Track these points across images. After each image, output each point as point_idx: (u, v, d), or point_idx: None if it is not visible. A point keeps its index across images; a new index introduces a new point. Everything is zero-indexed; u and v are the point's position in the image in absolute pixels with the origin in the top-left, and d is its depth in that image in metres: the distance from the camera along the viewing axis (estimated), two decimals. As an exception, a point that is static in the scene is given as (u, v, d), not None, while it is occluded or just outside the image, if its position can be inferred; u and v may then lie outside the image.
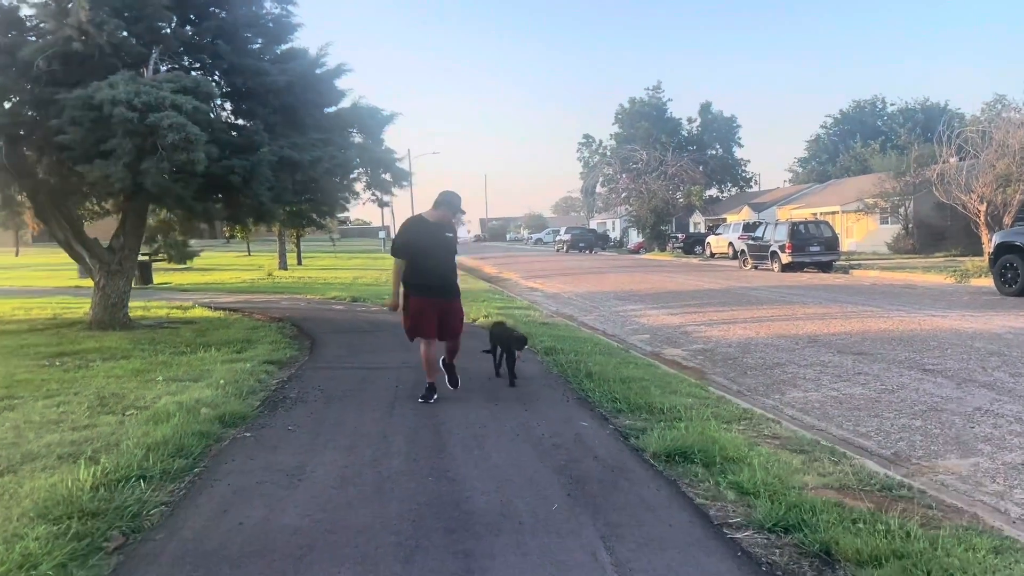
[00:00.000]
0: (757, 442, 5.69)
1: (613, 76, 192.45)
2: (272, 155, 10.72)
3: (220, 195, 11.39)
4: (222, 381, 7.06)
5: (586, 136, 78.38)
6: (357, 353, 9.57)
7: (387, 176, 13.84)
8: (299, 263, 39.63)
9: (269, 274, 26.06)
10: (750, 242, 29.96)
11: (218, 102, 11.06)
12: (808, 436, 6.01)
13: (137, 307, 15.24)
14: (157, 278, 25.61)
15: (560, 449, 5.30)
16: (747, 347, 11.14)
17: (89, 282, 25.06)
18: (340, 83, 12.75)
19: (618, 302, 18.46)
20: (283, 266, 33.74)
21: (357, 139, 13.54)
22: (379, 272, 30.88)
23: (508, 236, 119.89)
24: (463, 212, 7.15)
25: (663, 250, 52.88)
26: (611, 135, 71.37)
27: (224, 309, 15.21)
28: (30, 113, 9.76)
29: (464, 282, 26.68)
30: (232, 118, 12.02)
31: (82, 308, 14.80)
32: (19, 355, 9.20)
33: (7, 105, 9.56)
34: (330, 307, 15.85)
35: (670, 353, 10.96)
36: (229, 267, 36.33)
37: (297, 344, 10.28)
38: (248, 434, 5.56)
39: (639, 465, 4.99)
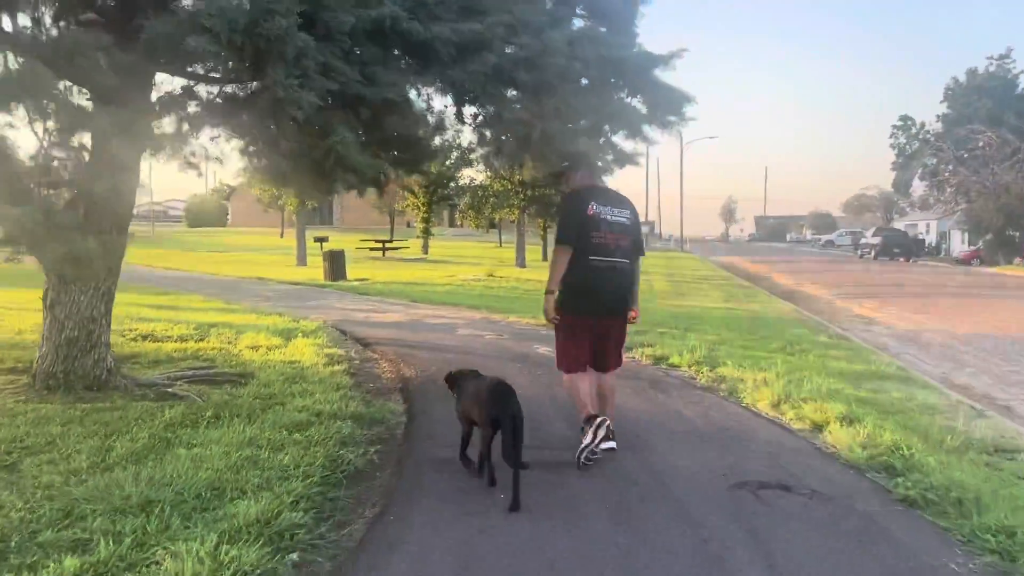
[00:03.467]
0: None
1: (938, 45, 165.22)
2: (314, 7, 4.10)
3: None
4: None
5: (903, 118, 63.99)
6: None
7: (636, 101, 6.66)
8: (544, 259, 33.68)
9: (490, 274, 20.08)
10: None
11: None
12: None
13: (232, 322, 9.55)
14: (356, 272, 20.65)
15: None
16: None
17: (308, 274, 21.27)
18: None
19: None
20: (520, 262, 27.86)
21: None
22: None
23: (788, 236, 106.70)
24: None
25: (1009, 262, 40.20)
26: (938, 116, 57.35)
27: (357, 340, 9.12)
28: None
29: (752, 299, 18.75)
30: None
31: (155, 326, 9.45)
32: None
33: None
34: (529, 348, 9.06)
35: None
36: (461, 260, 31.27)
37: (339, 516, 3.55)
38: None
39: None
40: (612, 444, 4.52)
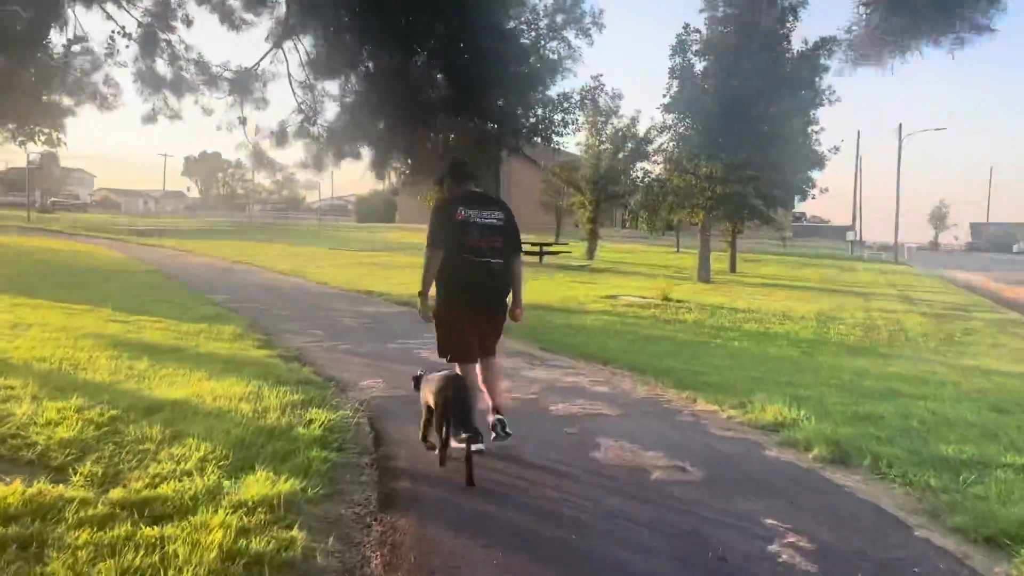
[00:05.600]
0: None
1: None
2: None
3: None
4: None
5: None
6: None
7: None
8: (732, 270, 27.84)
9: (664, 298, 14.88)
10: None
11: None
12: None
13: (206, 407, 5.17)
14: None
15: None
16: None
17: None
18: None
19: None
20: (704, 276, 22.33)
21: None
22: (863, 298, 17.54)
23: (1015, 247, 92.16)
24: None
25: None
26: None
27: (393, 478, 4.46)
28: None
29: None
30: None
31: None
32: None
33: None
34: (745, 533, 3.95)
35: None
36: (629, 269, 26.14)
37: None
38: None
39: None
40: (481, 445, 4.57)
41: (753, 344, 10.40)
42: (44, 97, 10.97)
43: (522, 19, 18.34)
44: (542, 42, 18.39)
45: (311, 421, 5.24)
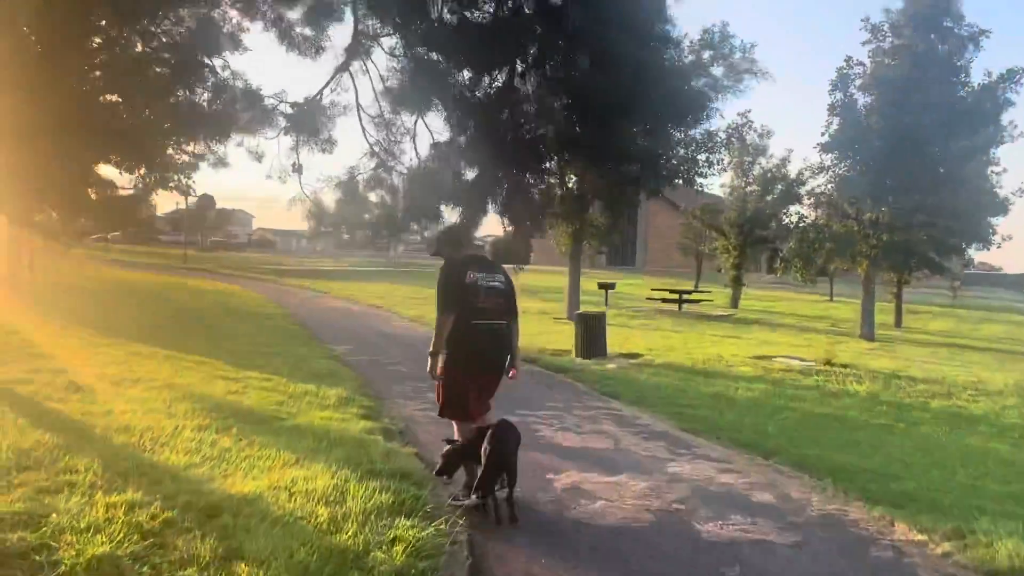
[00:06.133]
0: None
1: None
2: None
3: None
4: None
5: None
6: None
7: None
8: (897, 325, 25.17)
9: (828, 361, 13.02)
10: None
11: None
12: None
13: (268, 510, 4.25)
14: (631, 338, 14.86)
15: None
16: None
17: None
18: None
19: None
20: (868, 333, 19.98)
21: None
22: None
23: None
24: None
25: None
26: None
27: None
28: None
29: None
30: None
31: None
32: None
33: None
34: None
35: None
36: (778, 321, 24.01)
37: None
38: None
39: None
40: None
41: (946, 430, 8.56)
42: (171, 148, 10.75)
43: (666, 57, 17.17)
44: (688, 80, 17.14)
45: (395, 540, 4.18)
